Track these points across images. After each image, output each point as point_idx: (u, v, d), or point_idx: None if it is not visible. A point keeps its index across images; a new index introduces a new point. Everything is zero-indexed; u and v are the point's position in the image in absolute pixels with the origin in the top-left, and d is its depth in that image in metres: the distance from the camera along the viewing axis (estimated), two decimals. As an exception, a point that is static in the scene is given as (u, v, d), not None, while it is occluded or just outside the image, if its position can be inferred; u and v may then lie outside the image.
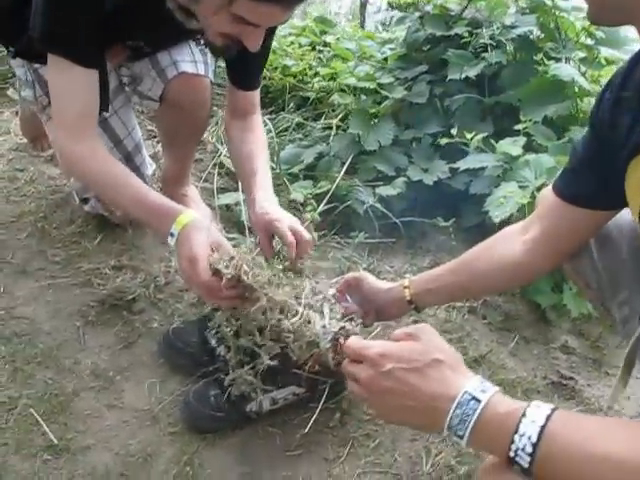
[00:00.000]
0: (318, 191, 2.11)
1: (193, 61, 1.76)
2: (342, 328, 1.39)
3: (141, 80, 1.78)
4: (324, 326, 1.40)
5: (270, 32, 1.59)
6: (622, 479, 0.74)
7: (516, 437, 0.79)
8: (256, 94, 1.72)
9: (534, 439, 0.77)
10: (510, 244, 1.36)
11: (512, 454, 0.79)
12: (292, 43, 2.84)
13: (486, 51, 2.22)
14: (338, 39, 2.88)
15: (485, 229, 2.10)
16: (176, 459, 1.41)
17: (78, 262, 1.89)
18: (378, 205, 2.08)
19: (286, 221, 1.47)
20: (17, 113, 2.58)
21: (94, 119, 1.48)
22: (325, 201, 2.07)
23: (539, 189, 1.74)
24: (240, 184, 1.84)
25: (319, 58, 2.74)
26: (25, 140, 2.41)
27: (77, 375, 1.58)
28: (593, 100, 2.12)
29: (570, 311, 1.75)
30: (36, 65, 1.75)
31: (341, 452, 1.45)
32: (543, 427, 0.78)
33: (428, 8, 2.36)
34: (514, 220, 1.73)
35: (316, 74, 2.58)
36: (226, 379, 1.43)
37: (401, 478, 1.40)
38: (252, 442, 1.43)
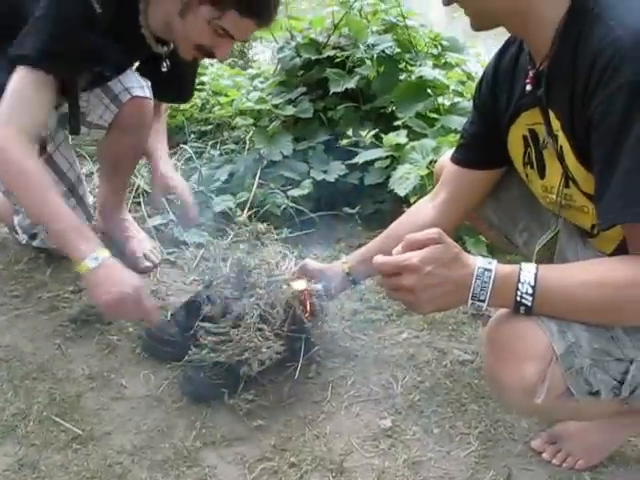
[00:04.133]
0: (239, 201, 2.39)
1: (141, 86, 2.01)
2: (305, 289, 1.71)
3: (90, 110, 1.99)
4: (293, 289, 1.70)
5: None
6: (603, 293, 1.10)
7: (519, 285, 1.12)
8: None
9: (532, 282, 1.12)
10: (424, 210, 1.71)
11: (519, 298, 1.13)
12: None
13: (356, 68, 2.62)
14: (213, 78, 3.18)
15: (383, 214, 2.48)
16: (190, 426, 1.60)
17: (37, 293, 2.03)
18: (293, 204, 2.39)
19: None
20: None
21: (37, 129, 1.63)
22: (247, 207, 2.35)
23: (429, 165, 2.14)
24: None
25: (203, 98, 3.03)
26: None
27: (75, 381, 1.73)
28: (451, 94, 2.60)
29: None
30: None
31: (325, 394, 1.71)
32: (536, 274, 1.12)
33: (299, 39, 2.73)
34: (416, 191, 2.11)
35: (215, 104, 2.87)
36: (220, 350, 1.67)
37: (380, 401, 1.69)
38: (251, 400, 1.65)
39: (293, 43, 2.72)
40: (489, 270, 1.14)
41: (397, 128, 2.44)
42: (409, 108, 2.46)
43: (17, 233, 2.11)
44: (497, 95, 1.46)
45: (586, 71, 1.14)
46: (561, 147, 1.29)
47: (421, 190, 2.07)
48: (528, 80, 1.35)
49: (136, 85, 2.01)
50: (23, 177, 1.54)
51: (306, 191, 2.41)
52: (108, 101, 1.99)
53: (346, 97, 2.68)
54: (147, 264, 2.17)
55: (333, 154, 2.60)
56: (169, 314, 1.89)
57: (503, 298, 1.15)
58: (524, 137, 1.43)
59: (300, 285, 1.73)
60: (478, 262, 1.16)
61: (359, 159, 2.39)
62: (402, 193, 2.13)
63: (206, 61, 3.45)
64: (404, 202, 2.16)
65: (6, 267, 2.14)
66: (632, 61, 1.06)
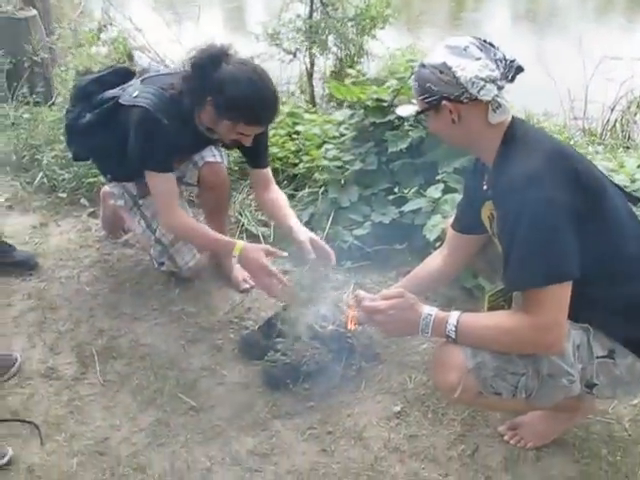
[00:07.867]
0: (315, 237, 3.16)
1: (213, 155, 2.93)
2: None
3: (185, 174, 2.92)
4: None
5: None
6: (498, 334, 1.78)
7: (447, 325, 1.82)
8: (269, 171, 2.84)
9: (455, 324, 1.81)
10: (435, 260, 2.38)
11: (447, 333, 1.83)
12: (274, 135, 3.89)
13: (410, 131, 3.31)
14: (307, 128, 3.95)
15: (428, 248, 3.16)
16: (264, 404, 2.40)
17: (169, 307, 2.91)
18: (356, 242, 3.14)
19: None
20: (89, 214, 3.61)
21: (178, 200, 2.64)
22: (321, 243, 3.12)
23: (453, 217, 2.81)
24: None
25: (297, 144, 3.82)
26: (102, 233, 3.43)
27: (193, 371, 2.57)
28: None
29: (484, 288, 2.80)
30: (124, 183, 2.81)
31: (360, 386, 2.46)
32: (458, 319, 1.82)
33: (368, 103, 3.46)
34: (442, 236, 2.78)
35: (300, 161, 3.67)
36: (289, 354, 2.45)
37: (396, 393, 2.42)
38: (307, 389, 2.43)
39: (361, 109, 3.46)
40: (430, 315, 1.85)
41: (438, 182, 3.12)
42: (449, 165, 3.13)
43: (152, 260, 3.01)
44: (475, 184, 2.15)
45: (499, 190, 1.83)
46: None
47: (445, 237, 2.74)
48: (485, 182, 2.04)
49: (209, 154, 2.92)
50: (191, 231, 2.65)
51: (366, 231, 3.15)
52: (192, 166, 2.92)
53: (405, 153, 3.37)
54: (246, 286, 3.00)
55: (392, 200, 3.29)
56: (257, 326, 2.70)
57: (439, 332, 1.86)
58: (489, 217, 2.10)
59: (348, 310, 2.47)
60: (425, 310, 1.87)
61: (406, 207, 3.09)
62: (431, 238, 2.83)
63: (301, 110, 4.25)
64: (437, 242, 2.84)
65: (149, 287, 3.03)
66: (517, 193, 1.74)
